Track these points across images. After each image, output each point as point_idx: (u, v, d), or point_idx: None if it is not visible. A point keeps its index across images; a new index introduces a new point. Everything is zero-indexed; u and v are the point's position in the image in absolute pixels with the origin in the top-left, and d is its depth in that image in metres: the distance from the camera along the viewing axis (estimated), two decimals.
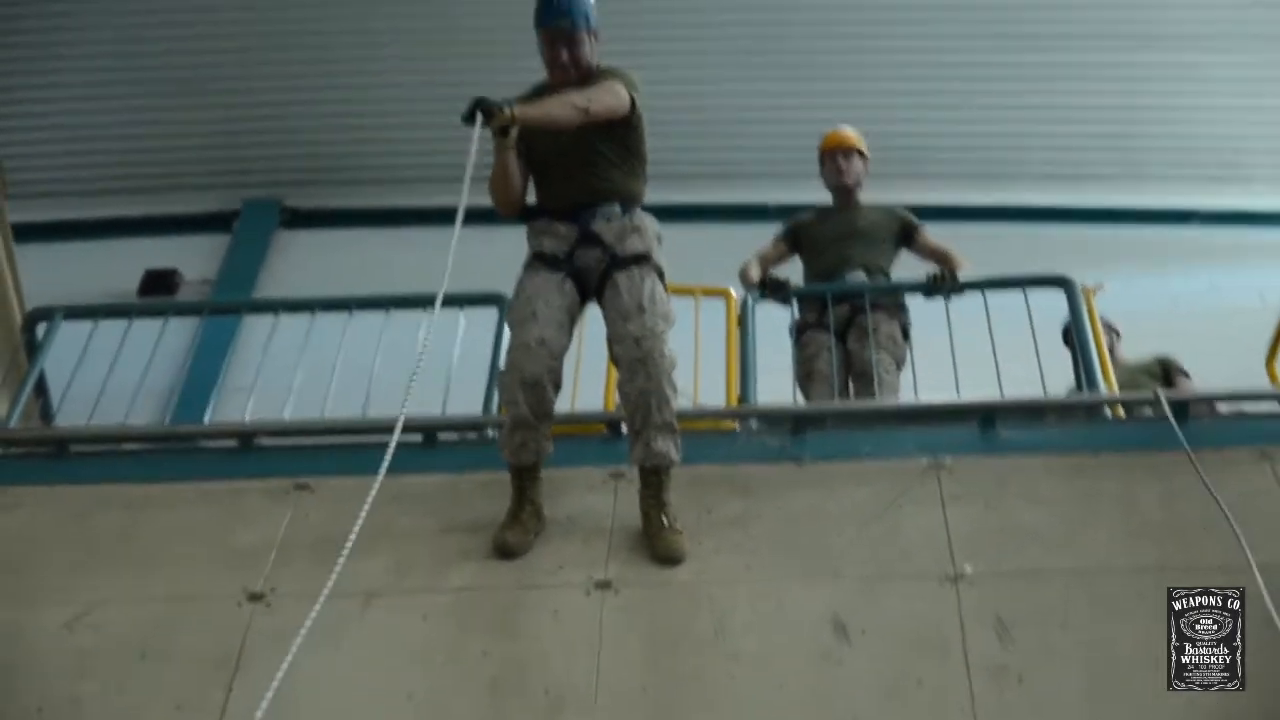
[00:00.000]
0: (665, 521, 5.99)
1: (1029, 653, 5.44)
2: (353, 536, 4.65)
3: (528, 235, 6.43)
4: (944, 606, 5.67)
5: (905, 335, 8.24)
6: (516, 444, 6.06)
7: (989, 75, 12.96)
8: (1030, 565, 5.87)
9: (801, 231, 8.76)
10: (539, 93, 6.32)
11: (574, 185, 6.29)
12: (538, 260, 6.30)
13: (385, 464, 4.61)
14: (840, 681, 5.42)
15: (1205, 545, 5.83)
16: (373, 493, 4.39)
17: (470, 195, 5.68)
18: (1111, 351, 9.03)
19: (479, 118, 5.63)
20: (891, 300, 8.28)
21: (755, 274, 8.31)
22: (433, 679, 5.59)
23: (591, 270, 6.24)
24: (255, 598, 6.02)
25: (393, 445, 4.50)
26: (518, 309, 6.16)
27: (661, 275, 6.26)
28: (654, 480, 6.03)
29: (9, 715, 5.67)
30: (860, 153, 8.81)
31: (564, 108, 5.98)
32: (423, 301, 7.77)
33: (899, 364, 8.13)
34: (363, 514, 4.14)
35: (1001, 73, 12.92)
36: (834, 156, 8.80)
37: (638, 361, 5.93)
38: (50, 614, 6.03)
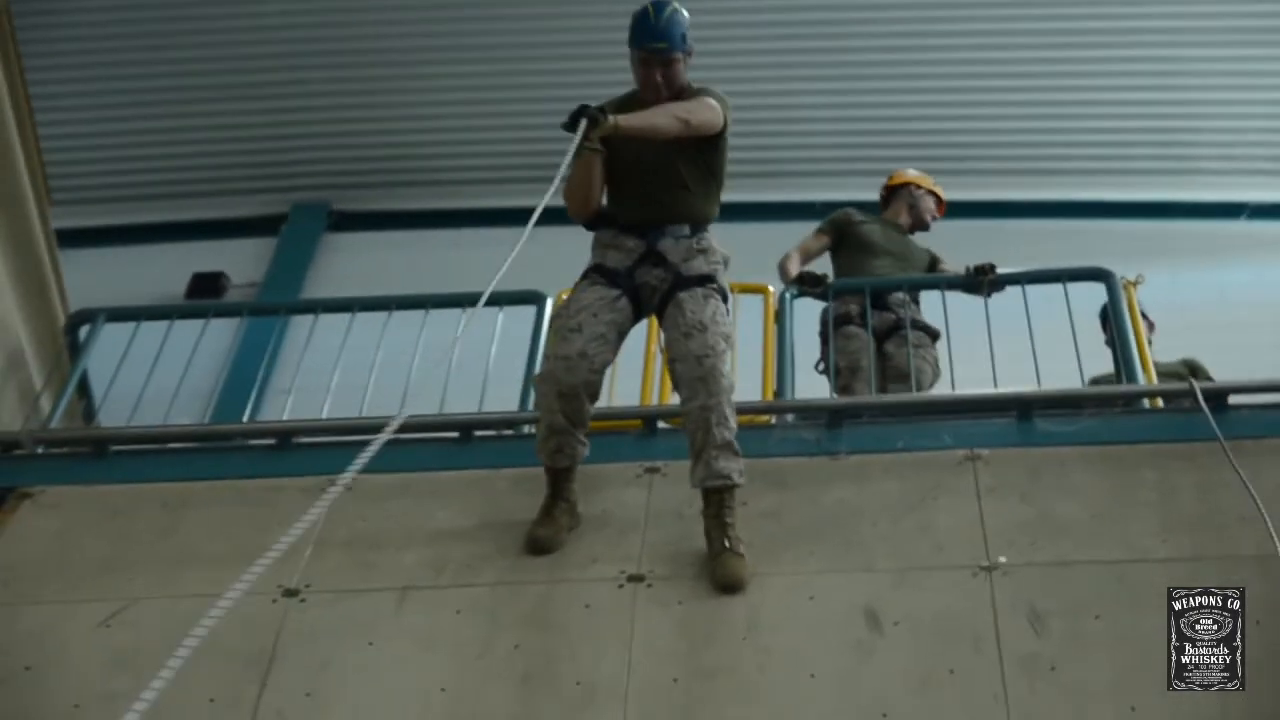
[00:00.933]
0: (727, 544, 5.84)
1: (1062, 643, 5.41)
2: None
3: (593, 244, 6.38)
4: (977, 597, 5.65)
5: (936, 373, 8.32)
6: (552, 449, 6.06)
7: (1033, 72, 12.88)
8: (1065, 556, 5.85)
9: (849, 228, 8.84)
10: (627, 104, 6.23)
11: (649, 202, 6.22)
12: (596, 272, 6.23)
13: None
14: (872, 671, 5.40)
15: (1242, 536, 5.78)
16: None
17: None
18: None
19: (582, 125, 5.68)
20: (927, 329, 8.39)
21: (794, 268, 8.40)
22: (465, 673, 5.59)
23: (652, 289, 6.17)
24: (290, 594, 6.04)
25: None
26: (563, 319, 6.09)
27: (725, 298, 6.23)
28: (715, 500, 5.89)
29: (46, 712, 5.72)
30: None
31: (666, 118, 5.96)
32: (461, 301, 7.86)
33: (934, 381, 8.17)
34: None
35: (1046, 69, 12.83)
36: (930, 198, 9.18)
37: (699, 380, 5.85)
38: (87, 611, 6.07)
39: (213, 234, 13.93)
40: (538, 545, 6.07)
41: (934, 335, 8.39)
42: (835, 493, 6.40)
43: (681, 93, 6.20)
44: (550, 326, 6.32)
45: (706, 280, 6.14)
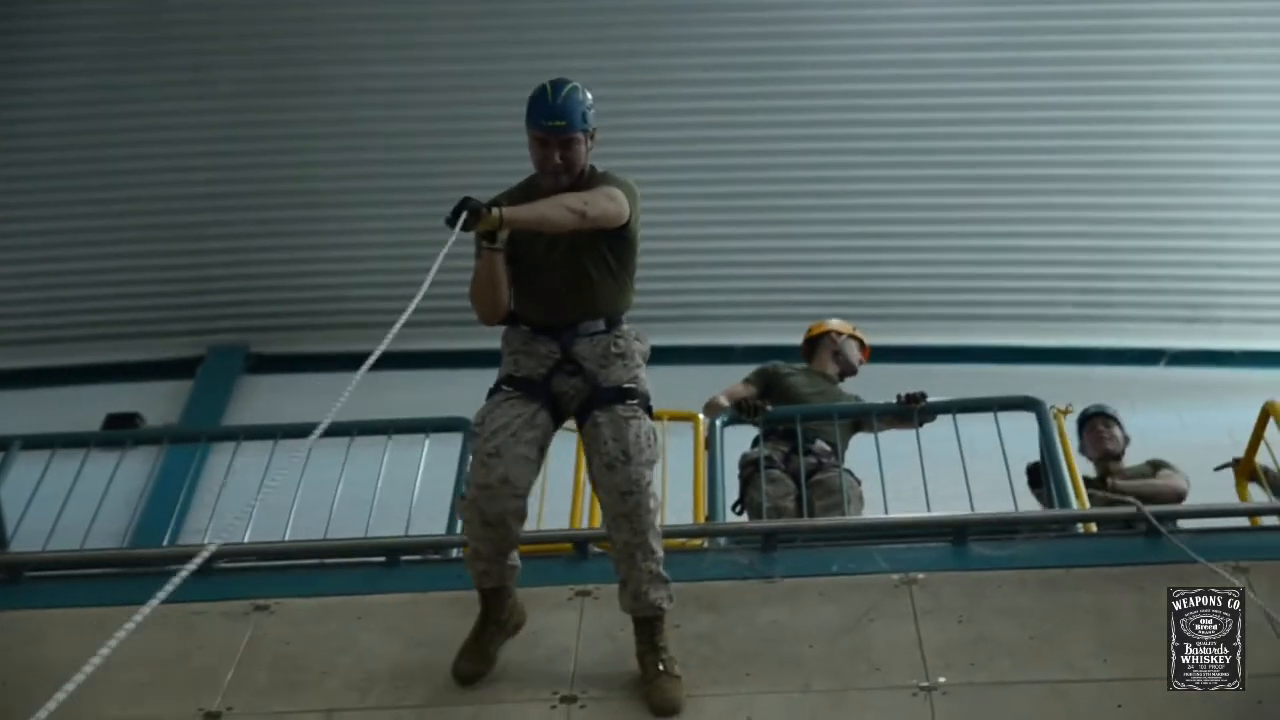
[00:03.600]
0: (662, 667, 5.70)
1: None
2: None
3: (503, 349, 6.01)
4: (918, 717, 5.56)
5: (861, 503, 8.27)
6: (479, 572, 5.80)
7: (955, 219, 13.02)
8: (1007, 676, 5.77)
9: (776, 380, 8.81)
10: (526, 191, 5.88)
11: (559, 301, 5.86)
12: (509, 384, 5.86)
13: None
14: None
15: None
16: None
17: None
18: (1118, 455, 9.14)
19: (462, 219, 5.24)
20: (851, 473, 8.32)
21: (724, 403, 8.31)
22: None
23: (570, 397, 5.84)
24: (211, 716, 5.87)
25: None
26: (482, 444, 5.70)
27: (648, 408, 5.86)
28: (646, 627, 5.75)
29: None
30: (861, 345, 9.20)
31: (558, 210, 5.51)
32: (386, 428, 7.79)
33: (859, 511, 8.13)
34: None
35: (968, 215, 12.98)
36: (853, 342, 9.19)
37: (622, 516, 5.59)
38: None
39: (128, 376, 13.74)
40: (462, 678, 5.85)
41: (856, 480, 8.31)
42: (769, 615, 6.31)
43: (583, 176, 5.83)
44: (472, 446, 5.87)
45: (627, 395, 5.77)
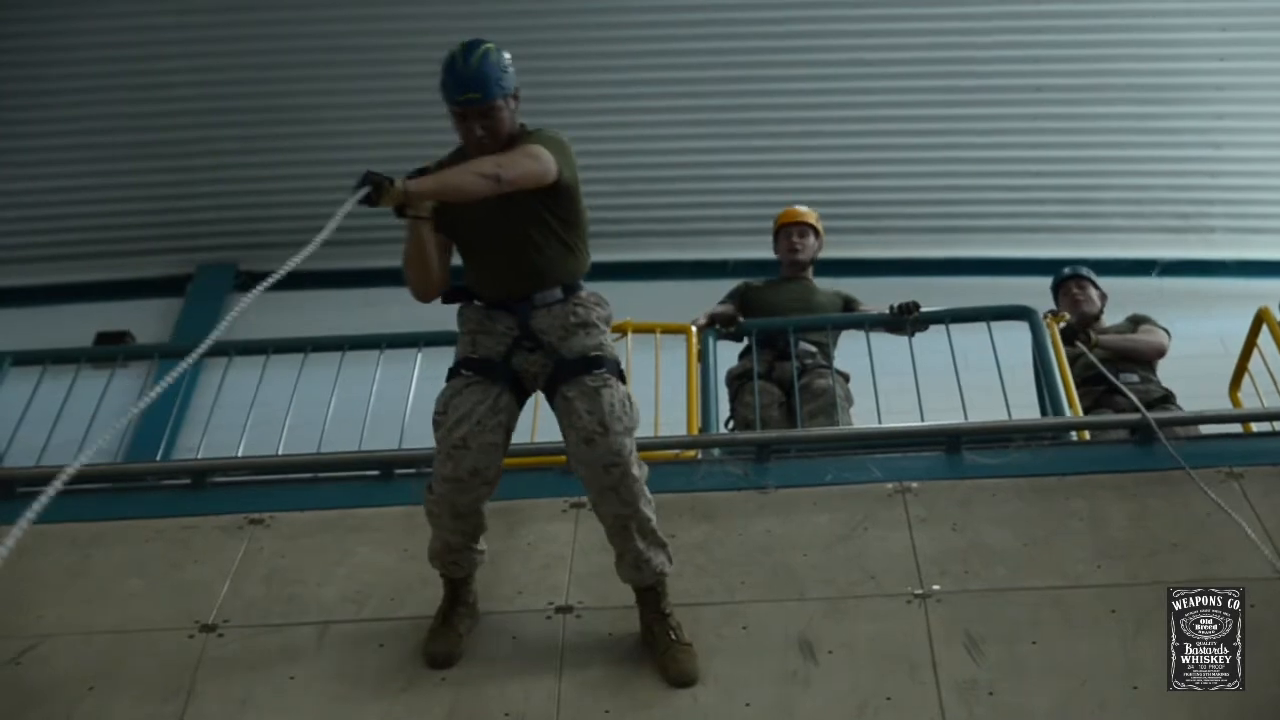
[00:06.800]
0: (673, 636, 5.55)
1: (999, 668, 5.36)
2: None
3: (459, 328, 5.67)
4: (913, 624, 5.61)
5: (849, 400, 8.27)
6: (448, 562, 5.65)
7: (947, 130, 12.91)
8: (999, 583, 5.83)
9: (751, 294, 8.79)
10: (458, 160, 5.41)
11: (506, 272, 5.50)
12: (468, 368, 5.51)
13: None
14: (809, 700, 5.30)
15: (1175, 562, 5.86)
16: None
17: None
18: (1096, 316, 9.03)
19: (361, 193, 4.84)
20: (837, 374, 8.28)
21: (704, 322, 8.27)
22: (390, 706, 5.43)
23: (533, 375, 5.51)
24: (208, 629, 5.89)
25: None
26: (447, 434, 5.36)
27: (619, 372, 5.49)
28: (650, 595, 5.62)
29: None
30: (815, 230, 8.93)
31: (468, 177, 5.05)
32: (379, 342, 7.78)
33: (848, 409, 8.14)
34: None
35: (960, 127, 12.88)
36: (789, 233, 8.94)
37: (609, 490, 5.31)
38: None
39: (117, 294, 13.66)
40: (437, 661, 5.62)
41: (845, 377, 8.35)
42: (764, 524, 6.35)
43: (512, 142, 5.36)
44: (435, 435, 5.45)
45: (593, 364, 5.40)
